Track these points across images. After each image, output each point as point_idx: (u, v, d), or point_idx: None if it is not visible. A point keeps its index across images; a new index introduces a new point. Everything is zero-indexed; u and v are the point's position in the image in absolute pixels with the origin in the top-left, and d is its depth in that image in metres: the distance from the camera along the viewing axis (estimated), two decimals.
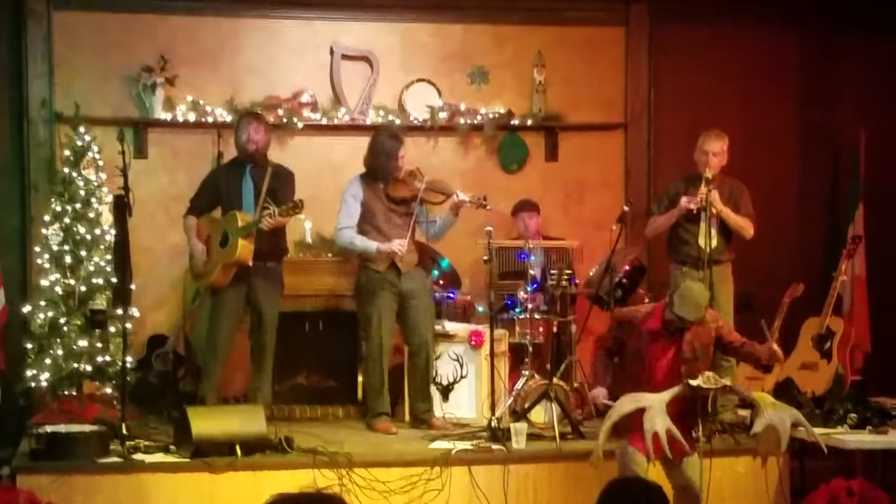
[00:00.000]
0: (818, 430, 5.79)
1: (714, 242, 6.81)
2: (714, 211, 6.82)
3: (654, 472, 5.45)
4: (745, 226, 7.03)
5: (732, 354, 6.09)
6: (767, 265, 8.02)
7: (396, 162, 6.85)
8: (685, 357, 5.58)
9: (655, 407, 5.22)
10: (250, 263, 6.72)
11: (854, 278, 7.79)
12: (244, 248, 6.66)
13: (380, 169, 6.87)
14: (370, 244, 6.80)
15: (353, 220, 6.86)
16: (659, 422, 5.19)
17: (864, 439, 6.27)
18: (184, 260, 7.19)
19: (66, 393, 6.81)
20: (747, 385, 6.32)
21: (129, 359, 6.59)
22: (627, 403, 5.32)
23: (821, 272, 7.80)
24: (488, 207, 6.88)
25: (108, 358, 6.89)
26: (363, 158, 6.97)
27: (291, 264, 7.36)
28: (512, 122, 8.04)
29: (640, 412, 5.25)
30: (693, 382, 5.33)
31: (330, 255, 7.64)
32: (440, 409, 6.96)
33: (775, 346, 5.79)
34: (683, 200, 6.93)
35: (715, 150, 6.96)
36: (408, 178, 6.90)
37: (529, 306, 7.01)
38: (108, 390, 6.91)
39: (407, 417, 7.05)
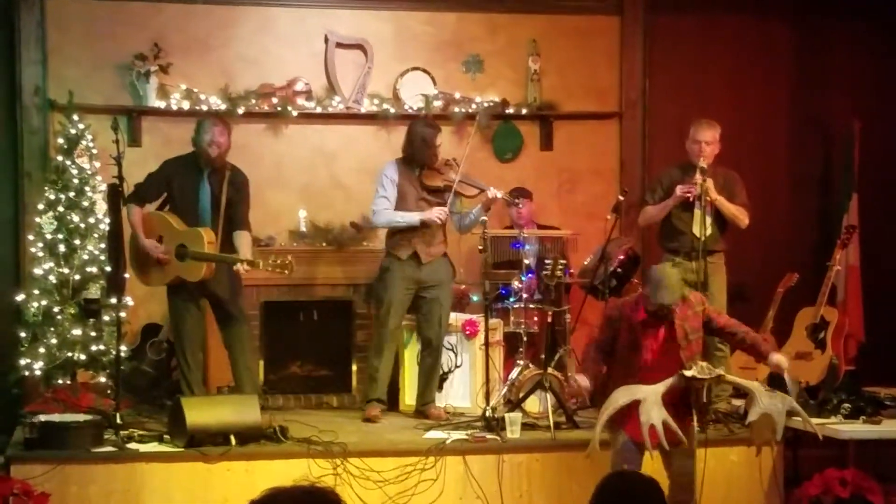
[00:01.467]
0: (813, 420, 5.79)
1: (709, 231, 6.81)
2: (709, 200, 6.81)
3: (650, 463, 5.46)
4: (740, 214, 7.02)
5: (729, 341, 6.05)
6: (761, 255, 8.03)
7: (434, 149, 6.86)
8: (679, 342, 5.55)
9: (651, 399, 5.22)
10: None
11: (848, 268, 7.80)
12: (208, 271, 6.54)
13: (417, 155, 6.88)
14: (411, 215, 6.80)
15: (390, 202, 6.84)
16: (655, 413, 5.19)
17: (857, 429, 6.30)
18: None
19: (59, 382, 6.80)
20: (741, 375, 6.32)
21: (123, 348, 6.57)
22: (622, 395, 5.32)
23: (814, 262, 7.80)
24: (520, 207, 6.90)
25: (101, 347, 6.87)
26: (402, 146, 6.97)
27: (285, 253, 7.33)
28: (506, 111, 8.03)
29: (636, 404, 5.26)
30: (687, 373, 5.33)
31: (324, 244, 7.63)
32: (436, 399, 6.96)
33: (783, 360, 5.74)
34: (679, 189, 6.92)
35: (707, 139, 6.95)
36: (443, 167, 6.91)
37: (524, 296, 7.01)
38: (102, 379, 6.90)
39: (403, 406, 7.06)
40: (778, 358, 5.74)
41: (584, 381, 5.63)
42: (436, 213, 6.78)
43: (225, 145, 6.68)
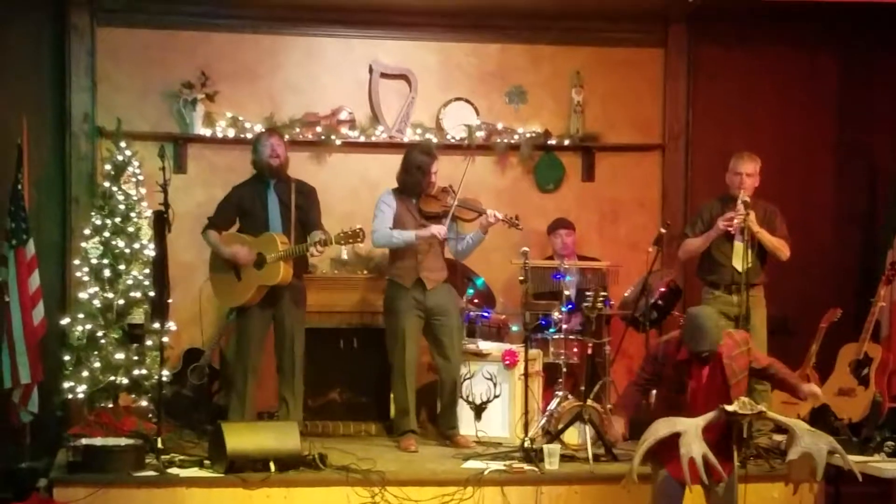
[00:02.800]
0: (855, 458, 5.71)
1: (749, 264, 6.78)
2: (751, 232, 6.79)
3: (690, 498, 5.43)
4: (781, 247, 7.01)
5: (768, 381, 6.02)
6: (804, 289, 7.98)
7: (429, 177, 6.89)
8: (729, 380, 5.52)
9: (691, 432, 5.19)
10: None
11: (892, 304, 7.69)
12: (286, 272, 6.72)
13: (412, 183, 6.91)
14: (408, 234, 6.83)
15: (388, 224, 6.88)
16: (696, 447, 5.15)
17: None
18: None
19: (102, 405, 6.88)
20: (783, 410, 6.27)
21: (165, 372, 6.63)
22: (663, 427, 5.28)
23: (858, 297, 7.74)
24: (520, 227, 6.91)
25: (144, 371, 6.95)
26: (396, 174, 7.00)
27: (326, 281, 7.40)
28: (549, 142, 8.05)
29: (676, 437, 5.23)
30: (729, 408, 5.29)
31: (365, 271, 7.67)
32: (473, 427, 6.95)
33: (816, 389, 5.75)
34: (721, 222, 6.91)
35: (748, 171, 6.95)
36: (440, 194, 6.94)
37: (564, 326, 7.00)
38: (144, 403, 6.97)
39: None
40: (810, 388, 5.72)
41: (619, 425, 5.66)
42: (433, 230, 6.80)
43: (284, 155, 6.92)
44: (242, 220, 6.96)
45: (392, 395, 7.33)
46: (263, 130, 7.24)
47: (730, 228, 6.87)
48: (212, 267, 7.01)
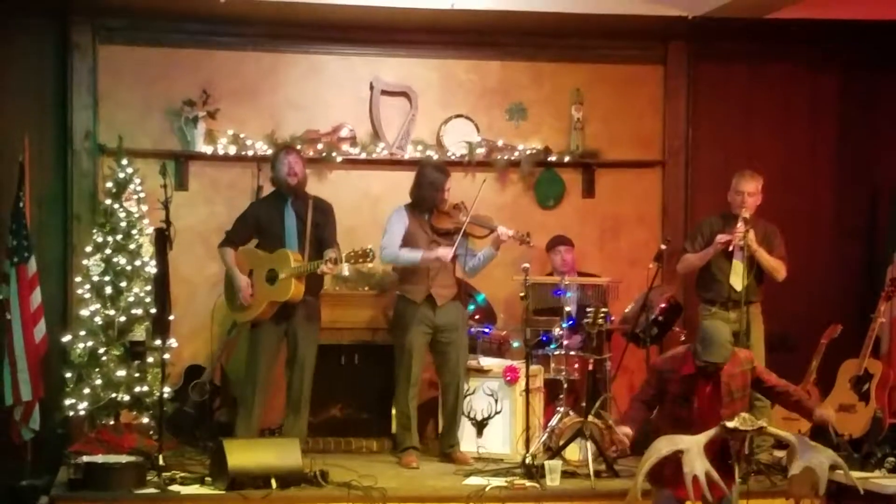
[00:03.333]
0: (855, 474, 5.72)
1: (746, 282, 6.79)
2: (750, 251, 6.81)
3: None
4: (779, 267, 7.02)
5: (776, 399, 5.98)
6: (804, 305, 7.99)
7: (442, 194, 6.92)
8: (723, 399, 5.55)
9: (693, 450, 5.19)
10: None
11: (892, 320, 7.69)
12: (297, 289, 6.73)
13: (425, 200, 6.94)
14: (415, 253, 6.85)
15: (397, 242, 6.90)
16: (698, 465, 5.16)
17: None
18: (221, 291, 7.21)
19: (103, 422, 6.88)
20: (783, 426, 6.26)
21: (166, 389, 6.63)
22: (665, 445, 5.29)
23: (858, 313, 7.74)
24: (532, 245, 6.93)
25: (145, 388, 6.95)
26: (409, 190, 7.03)
27: (329, 297, 7.40)
28: (549, 159, 8.07)
29: (678, 455, 5.23)
30: (729, 424, 5.30)
31: (367, 288, 7.68)
32: (474, 444, 6.95)
33: (830, 413, 5.79)
34: (720, 239, 6.93)
35: (750, 190, 6.96)
36: (452, 210, 6.96)
37: (565, 342, 7.01)
38: (146, 420, 6.97)
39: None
40: (823, 413, 5.74)
41: (625, 428, 5.67)
42: (439, 253, 6.81)
43: (302, 172, 6.93)
44: (259, 235, 6.98)
45: (394, 411, 7.34)
46: (281, 147, 7.22)
47: (728, 245, 6.87)
48: (227, 279, 7.01)
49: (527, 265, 6.78)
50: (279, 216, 6.91)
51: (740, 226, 6.81)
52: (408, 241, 6.91)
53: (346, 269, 7.68)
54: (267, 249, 6.91)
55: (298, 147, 7.45)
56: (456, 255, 6.94)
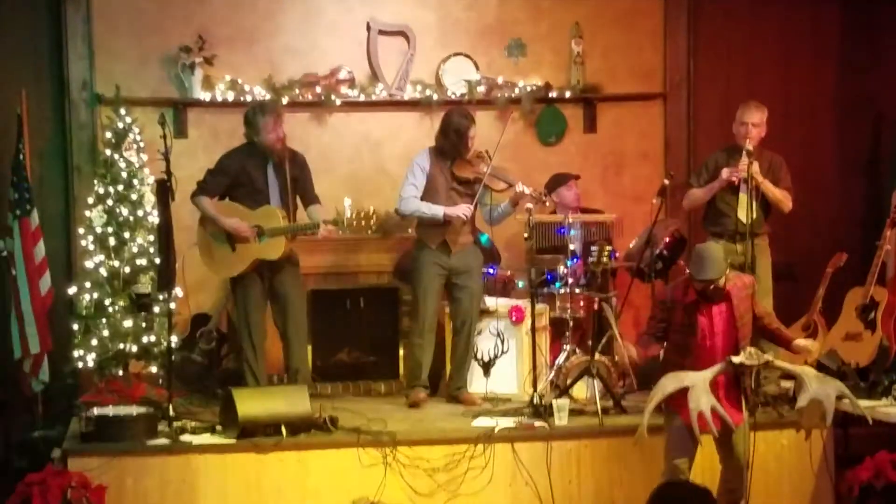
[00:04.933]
0: (862, 403, 5.76)
1: (754, 215, 6.77)
2: (755, 183, 6.78)
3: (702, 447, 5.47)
4: (784, 199, 7.02)
5: (762, 332, 5.92)
6: (809, 235, 7.98)
7: (466, 140, 6.88)
8: (738, 321, 5.56)
9: (699, 386, 5.23)
10: None
11: None
12: (287, 247, 6.70)
13: (449, 145, 6.90)
14: (437, 209, 6.84)
15: (419, 190, 6.89)
16: (704, 400, 5.20)
17: None
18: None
19: (112, 373, 6.90)
20: (790, 358, 6.28)
21: (173, 338, 6.64)
22: (671, 382, 5.33)
23: (864, 242, 7.73)
24: (547, 203, 6.91)
25: (153, 338, 6.97)
26: (434, 135, 7.00)
27: (332, 242, 7.39)
28: (550, 95, 8.00)
29: (684, 392, 5.26)
30: (735, 359, 5.34)
31: (370, 231, 7.65)
32: (483, 385, 6.98)
33: (808, 344, 5.78)
34: (725, 172, 6.91)
35: (755, 122, 6.93)
36: (475, 159, 6.93)
37: (570, 281, 7.01)
38: (154, 369, 7.00)
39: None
40: (801, 343, 5.74)
41: (632, 349, 5.81)
42: (461, 211, 6.81)
43: (283, 132, 6.83)
44: (237, 190, 6.82)
45: (402, 352, 7.36)
46: (257, 105, 6.99)
47: (733, 179, 6.86)
48: (201, 234, 6.87)
49: (530, 205, 6.76)
50: (262, 171, 6.78)
51: (744, 159, 6.78)
52: (428, 186, 6.89)
53: (348, 212, 7.67)
54: (246, 204, 6.77)
55: (296, 91, 7.37)
56: (479, 203, 6.92)
